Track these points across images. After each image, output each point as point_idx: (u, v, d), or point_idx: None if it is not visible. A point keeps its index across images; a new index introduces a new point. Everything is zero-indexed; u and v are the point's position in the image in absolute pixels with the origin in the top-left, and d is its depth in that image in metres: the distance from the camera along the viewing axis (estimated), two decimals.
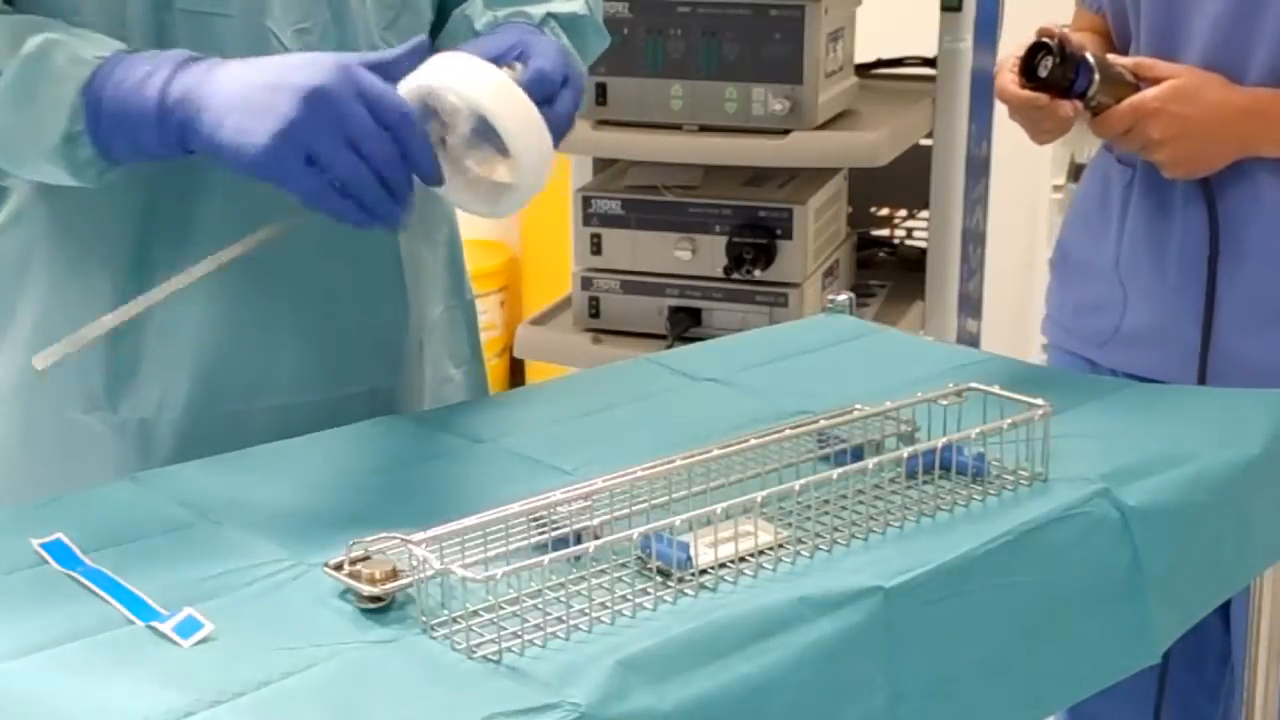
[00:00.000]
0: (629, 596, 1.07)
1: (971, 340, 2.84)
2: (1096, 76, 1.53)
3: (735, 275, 2.38)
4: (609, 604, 1.07)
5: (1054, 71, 1.52)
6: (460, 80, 1.21)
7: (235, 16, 1.33)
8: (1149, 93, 1.55)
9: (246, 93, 1.18)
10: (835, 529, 1.18)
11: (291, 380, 1.43)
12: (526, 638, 1.03)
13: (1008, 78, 1.56)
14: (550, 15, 1.44)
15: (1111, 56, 1.59)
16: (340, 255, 1.43)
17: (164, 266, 1.33)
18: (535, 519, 1.16)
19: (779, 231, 2.38)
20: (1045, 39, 1.52)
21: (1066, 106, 1.54)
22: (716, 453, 1.25)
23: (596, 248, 2.46)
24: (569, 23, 1.46)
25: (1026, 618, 1.20)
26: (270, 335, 1.41)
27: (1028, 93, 1.54)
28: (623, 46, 2.42)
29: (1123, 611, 1.26)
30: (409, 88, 1.21)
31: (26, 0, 1.28)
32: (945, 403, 1.35)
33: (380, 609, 1.07)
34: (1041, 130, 1.59)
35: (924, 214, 2.64)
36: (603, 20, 1.54)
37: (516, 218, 4.32)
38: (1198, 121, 1.55)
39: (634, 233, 2.43)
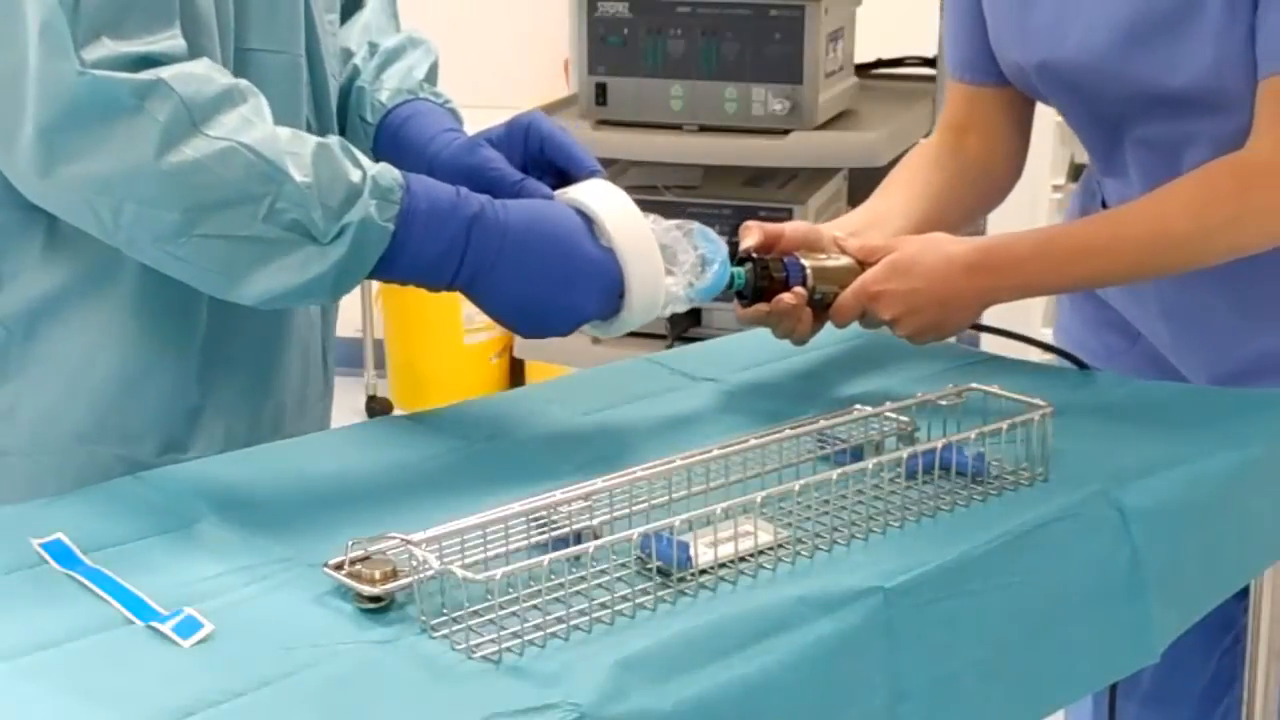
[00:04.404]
0: (629, 596, 1.07)
1: (971, 340, 2.84)
2: (808, 269, 1.49)
3: None
4: (609, 604, 1.07)
5: (761, 281, 1.48)
6: (610, 210, 1.35)
7: (287, 53, 1.39)
8: (867, 275, 1.49)
9: (535, 306, 1.33)
10: (835, 529, 1.18)
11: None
12: (526, 638, 1.03)
13: (735, 301, 1.51)
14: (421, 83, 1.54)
15: (837, 237, 1.54)
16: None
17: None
18: (535, 519, 1.16)
19: None
20: (743, 255, 1.49)
21: (787, 297, 1.48)
22: (716, 453, 1.25)
23: None
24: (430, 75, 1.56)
25: (1026, 618, 1.20)
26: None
27: (753, 310, 1.50)
28: (623, 46, 2.43)
29: (1122, 611, 1.26)
30: (571, 198, 1.36)
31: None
32: (945, 403, 1.36)
33: (380, 609, 1.07)
34: (788, 334, 1.53)
35: None
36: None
37: None
38: (924, 293, 1.49)
39: None
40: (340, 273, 1.26)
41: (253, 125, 1.24)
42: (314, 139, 1.27)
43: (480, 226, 1.29)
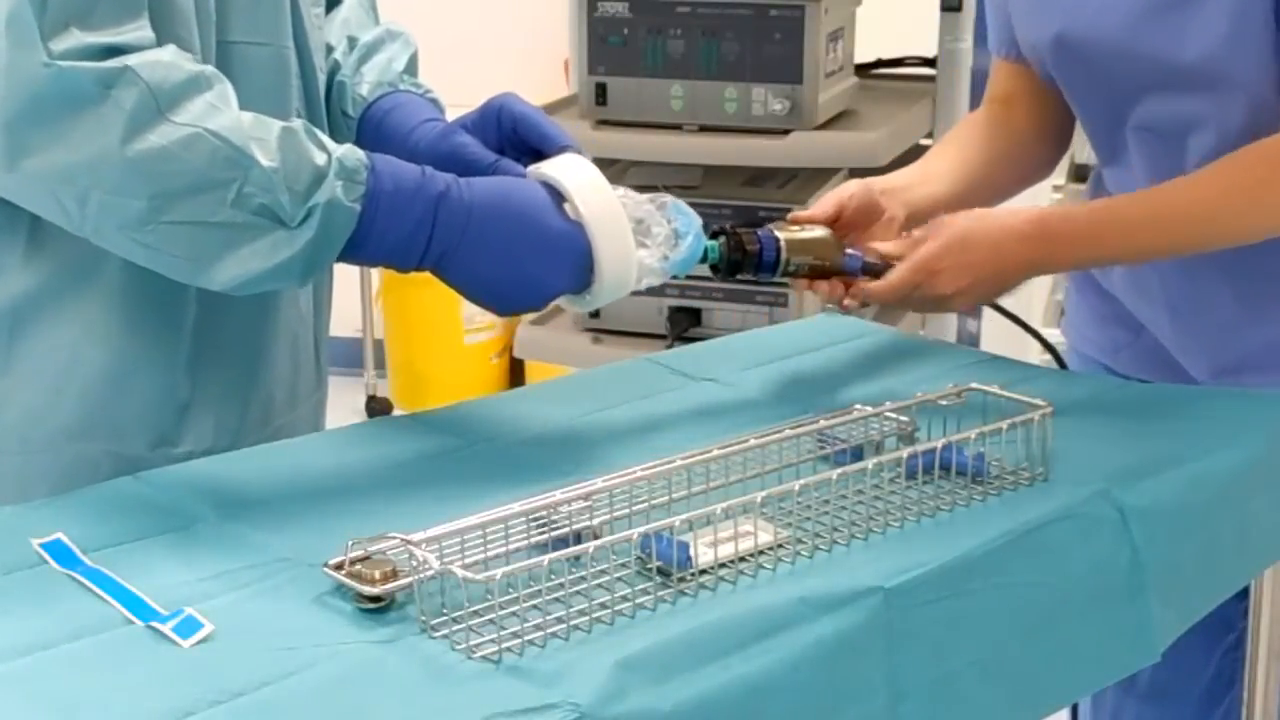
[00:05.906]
0: (629, 596, 1.07)
1: (971, 340, 2.84)
2: (782, 242, 1.50)
3: None
4: (609, 604, 1.07)
5: (735, 254, 1.48)
6: (577, 182, 1.34)
7: (272, 45, 1.38)
8: (927, 252, 1.51)
9: (503, 281, 1.33)
10: (835, 529, 1.18)
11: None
12: (526, 638, 1.03)
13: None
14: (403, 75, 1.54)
15: (814, 213, 1.57)
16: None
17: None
18: (535, 519, 1.16)
19: None
20: (717, 229, 1.50)
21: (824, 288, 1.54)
22: (716, 453, 1.25)
23: None
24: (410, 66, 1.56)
25: (1026, 618, 1.20)
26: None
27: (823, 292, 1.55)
28: (623, 46, 2.42)
29: (1123, 611, 1.26)
30: (541, 173, 1.36)
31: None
32: (945, 403, 1.36)
33: (380, 609, 1.07)
34: (841, 305, 1.58)
35: None
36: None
37: None
38: (983, 264, 1.51)
39: None
40: (309, 256, 1.25)
41: (218, 111, 1.23)
42: (279, 123, 1.26)
43: (446, 205, 1.29)
